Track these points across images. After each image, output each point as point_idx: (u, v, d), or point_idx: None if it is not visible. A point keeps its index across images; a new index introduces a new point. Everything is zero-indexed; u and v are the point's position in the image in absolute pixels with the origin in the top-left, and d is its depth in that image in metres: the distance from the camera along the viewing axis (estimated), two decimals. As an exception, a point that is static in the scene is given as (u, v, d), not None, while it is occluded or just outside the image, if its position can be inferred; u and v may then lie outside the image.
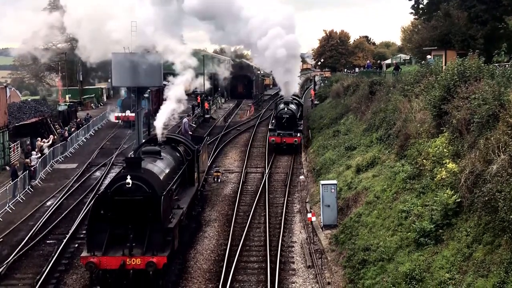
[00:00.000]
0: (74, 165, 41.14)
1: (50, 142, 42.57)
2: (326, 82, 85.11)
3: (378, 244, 20.37)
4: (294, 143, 44.27)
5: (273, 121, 48.55)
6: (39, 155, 38.81)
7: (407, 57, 74.45)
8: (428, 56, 40.24)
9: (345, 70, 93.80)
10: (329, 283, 20.78)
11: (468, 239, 16.36)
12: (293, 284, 21.05)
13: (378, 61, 72.74)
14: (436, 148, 22.30)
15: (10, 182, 32.72)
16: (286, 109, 46.35)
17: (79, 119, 57.74)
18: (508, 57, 31.60)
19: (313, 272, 21.99)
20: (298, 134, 45.16)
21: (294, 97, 53.15)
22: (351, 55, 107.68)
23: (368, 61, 78.70)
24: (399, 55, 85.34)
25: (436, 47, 42.48)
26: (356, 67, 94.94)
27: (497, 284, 13.52)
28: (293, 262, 23.18)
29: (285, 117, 45.51)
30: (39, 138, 43.28)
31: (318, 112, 62.23)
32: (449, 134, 22.20)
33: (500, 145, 17.11)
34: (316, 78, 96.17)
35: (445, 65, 32.58)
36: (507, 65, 27.03)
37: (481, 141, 18.57)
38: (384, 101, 36.07)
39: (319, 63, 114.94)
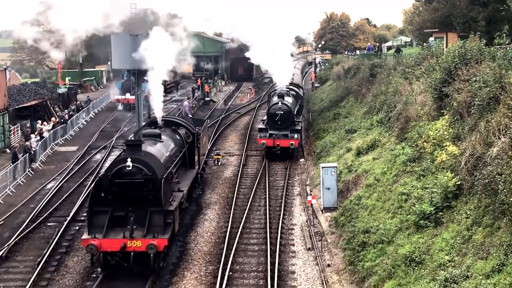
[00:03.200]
0: (75, 148, 41.15)
1: (50, 127, 42.50)
2: (326, 64, 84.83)
3: (378, 226, 20.43)
4: (290, 146, 36.36)
5: (264, 118, 39.67)
6: (38, 138, 38.80)
7: (408, 40, 74.14)
8: (431, 39, 40.06)
9: (346, 52, 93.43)
10: (329, 265, 20.88)
11: (468, 221, 16.40)
12: (293, 266, 21.14)
13: (377, 44, 72.25)
14: (437, 131, 22.29)
15: (11, 164, 32.76)
16: (280, 103, 37.68)
17: (79, 102, 57.62)
18: (509, 39, 31.47)
19: (313, 255, 22.07)
20: (295, 136, 36.90)
21: (292, 87, 45.13)
22: (352, 38, 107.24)
23: (369, 44, 78.37)
24: (400, 38, 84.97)
25: (437, 29, 42.31)
26: (357, 49, 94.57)
27: (497, 266, 13.57)
28: (293, 245, 23.26)
29: (279, 114, 37.11)
30: (39, 121, 43.24)
31: (318, 95, 62.11)
32: (450, 117, 22.17)
33: (500, 127, 17.09)
34: (317, 60, 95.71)
35: (446, 47, 32.47)
36: (508, 47, 26.91)
37: (481, 124, 18.55)
38: (384, 83, 36.00)
39: (320, 45, 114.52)
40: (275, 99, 39.29)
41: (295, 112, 39.66)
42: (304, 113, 48.61)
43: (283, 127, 37.00)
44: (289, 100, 39.62)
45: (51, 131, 41.52)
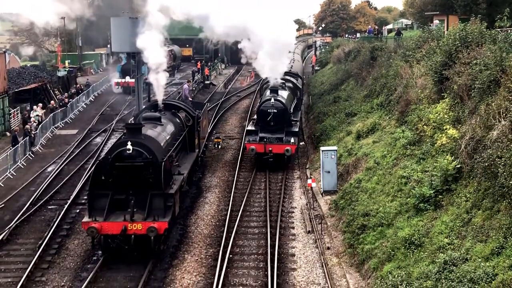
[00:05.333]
0: (75, 131, 41.15)
1: (37, 113, 42.06)
2: (327, 47, 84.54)
3: (378, 209, 20.48)
4: (286, 153, 29.89)
5: (254, 117, 33.32)
6: (37, 121, 38.80)
7: (409, 22, 73.79)
8: (435, 21, 39.82)
9: (346, 35, 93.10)
10: (328, 248, 20.98)
11: (467, 204, 16.44)
12: (293, 249, 21.24)
13: (376, 27, 71.95)
14: (437, 114, 22.27)
15: (11, 148, 32.77)
16: (273, 99, 31.01)
17: (79, 85, 57.50)
18: (510, 22, 31.27)
19: (313, 237, 22.16)
20: (292, 140, 30.30)
21: (289, 77, 38.16)
22: (352, 20, 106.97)
23: (369, 26, 78.06)
24: (400, 20, 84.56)
25: (438, 12, 42.06)
26: (357, 32, 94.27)
27: (496, 249, 13.63)
28: (293, 228, 23.35)
29: (272, 113, 30.71)
30: (40, 104, 43.15)
31: (319, 78, 61.97)
32: (450, 100, 22.15)
33: (501, 110, 17.07)
34: (318, 43, 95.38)
35: (447, 30, 32.32)
36: (509, 30, 26.77)
37: (482, 107, 18.53)
38: (385, 66, 35.87)
39: (320, 28, 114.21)
40: (267, 93, 32.84)
41: (291, 109, 33.10)
42: (303, 101, 47.99)
43: (276, 129, 30.76)
44: (284, 94, 33.22)
45: (51, 114, 41.49)
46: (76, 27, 73.99)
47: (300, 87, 39.93)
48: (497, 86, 18.54)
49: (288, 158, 30.64)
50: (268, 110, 30.79)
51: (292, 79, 38.38)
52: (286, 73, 37.91)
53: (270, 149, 29.98)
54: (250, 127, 31.86)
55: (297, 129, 31.82)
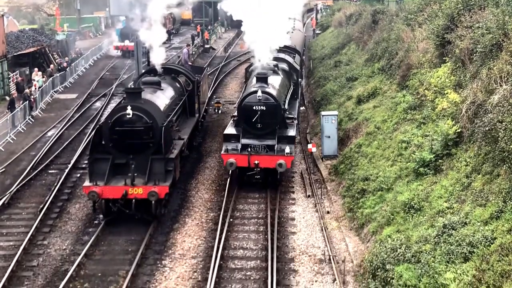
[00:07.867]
0: (74, 95, 41.01)
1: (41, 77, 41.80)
2: (328, 10, 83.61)
3: (378, 174, 20.55)
4: (278, 168, 22.04)
5: (235, 115, 24.39)
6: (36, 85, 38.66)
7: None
8: None
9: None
10: (328, 212, 21.09)
11: (467, 169, 16.48)
12: (293, 213, 21.35)
13: None
14: (438, 78, 22.16)
15: (6, 111, 32.66)
16: (260, 92, 22.57)
17: (78, 49, 57.03)
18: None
19: (313, 202, 22.26)
20: (287, 149, 22.41)
21: (283, 55, 30.05)
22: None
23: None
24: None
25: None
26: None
27: (495, 213, 13.71)
28: (293, 192, 23.43)
29: (259, 111, 22.55)
30: (36, 69, 42.84)
31: (319, 42, 61.43)
32: (452, 64, 22.00)
33: (502, 75, 16.99)
34: (319, 6, 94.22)
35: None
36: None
37: (483, 71, 18.43)
38: (386, 30, 35.52)
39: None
40: (254, 82, 24.29)
41: (286, 102, 25.28)
42: (303, 76, 47.61)
43: (265, 133, 22.94)
44: (276, 82, 25.04)
45: (50, 78, 41.29)
46: None
47: (298, 67, 30.98)
48: (499, 50, 18.41)
49: (282, 174, 23.24)
50: (254, 107, 22.63)
51: (287, 57, 30.44)
52: (281, 49, 30.18)
53: (256, 162, 22.25)
54: (230, 130, 23.61)
55: (294, 132, 23.76)
